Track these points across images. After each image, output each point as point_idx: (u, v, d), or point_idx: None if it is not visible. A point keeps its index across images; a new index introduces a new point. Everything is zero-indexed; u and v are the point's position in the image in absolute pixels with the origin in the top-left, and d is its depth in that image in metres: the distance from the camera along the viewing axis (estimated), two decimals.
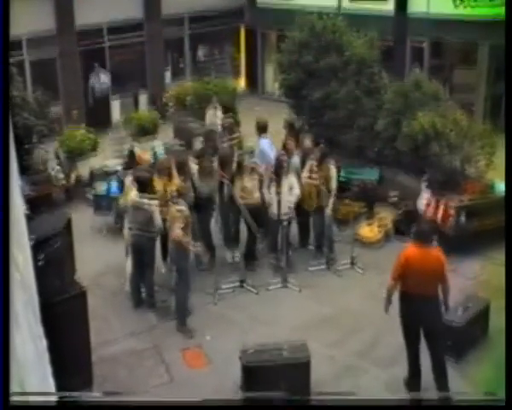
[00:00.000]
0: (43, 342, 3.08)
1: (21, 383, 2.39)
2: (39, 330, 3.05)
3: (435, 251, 7.55)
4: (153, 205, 9.61)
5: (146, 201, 9.60)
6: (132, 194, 9.68)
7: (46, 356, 3.11)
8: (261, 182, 10.84)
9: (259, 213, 10.70)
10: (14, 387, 2.29)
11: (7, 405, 2.33)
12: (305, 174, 10.85)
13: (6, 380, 2.30)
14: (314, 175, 10.72)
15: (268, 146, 11.74)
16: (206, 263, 10.83)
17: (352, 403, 4.64)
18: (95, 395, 6.00)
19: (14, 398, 2.35)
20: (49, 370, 3.14)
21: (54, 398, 3.05)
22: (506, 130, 6.93)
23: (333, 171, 10.88)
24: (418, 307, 7.46)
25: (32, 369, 2.79)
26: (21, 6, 14.79)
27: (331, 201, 10.81)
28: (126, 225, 9.83)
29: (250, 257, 10.85)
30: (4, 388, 2.29)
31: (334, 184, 10.86)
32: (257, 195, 10.66)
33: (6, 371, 2.31)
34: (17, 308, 2.46)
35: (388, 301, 7.69)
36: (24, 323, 2.60)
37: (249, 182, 10.64)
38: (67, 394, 3.08)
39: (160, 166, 10.88)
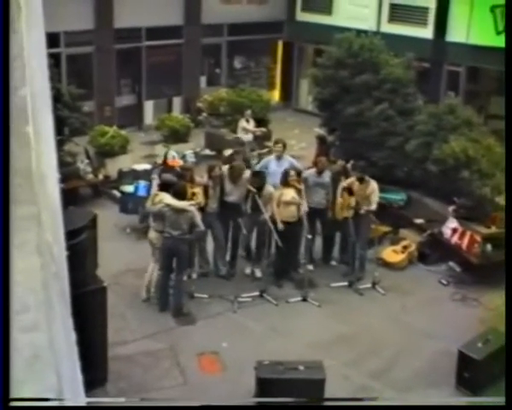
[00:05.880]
0: (73, 336, 3.07)
1: (58, 375, 2.39)
2: (70, 322, 3.05)
3: None
4: (194, 208, 9.62)
5: (187, 203, 9.59)
6: (168, 198, 9.57)
7: (75, 349, 3.11)
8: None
9: (294, 227, 10.50)
10: (52, 378, 2.28)
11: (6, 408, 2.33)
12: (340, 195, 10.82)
13: (6, 384, 2.28)
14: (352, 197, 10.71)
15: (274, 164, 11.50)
16: (225, 271, 10.80)
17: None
18: (96, 401, 5.98)
19: (13, 403, 2.35)
20: (77, 364, 3.13)
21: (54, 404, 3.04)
22: (506, 142, 6.65)
23: (373, 185, 10.83)
24: None
25: (66, 361, 2.79)
26: (61, 5, 14.97)
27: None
28: (157, 227, 9.67)
29: (283, 274, 10.79)
30: (4, 393, 2.28)
31: (376, 198, 10.79)
32: (294, 208, 10.42)
33: (6, 374, 2.29)
34: (53, 300, 2.45)
35: None
36: (58, 315, 2.59)
37: (289, 195, 10.41)
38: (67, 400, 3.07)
39: (182, 170, 10.97)
